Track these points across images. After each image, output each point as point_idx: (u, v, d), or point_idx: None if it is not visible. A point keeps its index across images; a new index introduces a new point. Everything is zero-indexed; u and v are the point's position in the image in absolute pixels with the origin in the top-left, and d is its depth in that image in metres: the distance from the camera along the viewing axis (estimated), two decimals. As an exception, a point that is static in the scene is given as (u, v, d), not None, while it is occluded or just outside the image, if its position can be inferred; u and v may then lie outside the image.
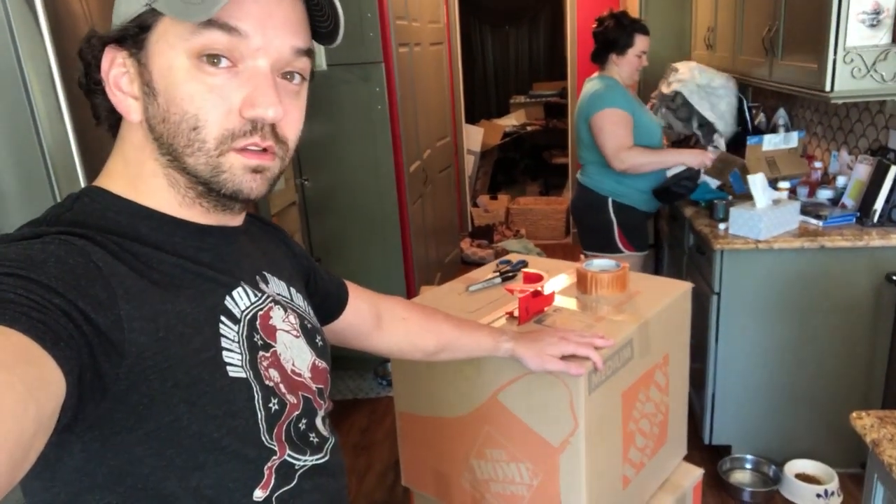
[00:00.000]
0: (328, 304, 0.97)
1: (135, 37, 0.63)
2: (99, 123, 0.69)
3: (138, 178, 0.66)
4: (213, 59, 0.61)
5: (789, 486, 2.17)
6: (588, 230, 2.79)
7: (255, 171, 0.65)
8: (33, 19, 1.25)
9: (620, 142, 2.53)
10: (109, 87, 0.65)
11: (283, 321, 0.74)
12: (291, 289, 0.82)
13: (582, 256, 2.75)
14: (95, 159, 1.36)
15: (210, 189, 0.65)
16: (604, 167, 2.62)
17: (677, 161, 2.57)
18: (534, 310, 1.30)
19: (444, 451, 1.39)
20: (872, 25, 1.89)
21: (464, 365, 1.26)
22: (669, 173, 2.59)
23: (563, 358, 1.09)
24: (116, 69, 0.64)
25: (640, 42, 2.61)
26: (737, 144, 2.89)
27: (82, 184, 1.33)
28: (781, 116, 3.06)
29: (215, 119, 0.62)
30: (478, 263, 4.48)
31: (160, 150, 0.64)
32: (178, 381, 0.60)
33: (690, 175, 2.54)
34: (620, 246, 2.68)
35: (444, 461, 1.39)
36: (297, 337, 0.76)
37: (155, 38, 0.62)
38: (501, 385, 1.22)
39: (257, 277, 0.75)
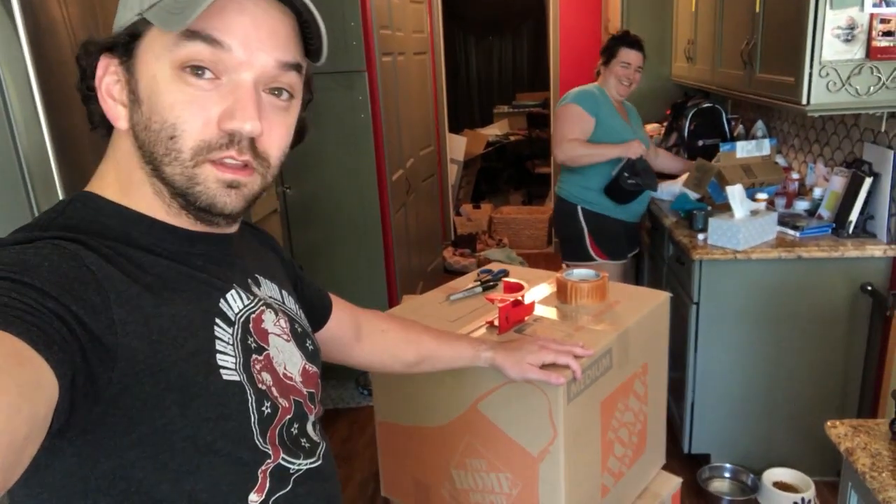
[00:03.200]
0: (312, 315, 0.97)
1: (125, 45, 0.63)
2: (94, 129, 0.69)
3: (129, 185, 0.67)
4: (196, 70, 0.61)
5: (767, 494, 2.18)
6: (564, 239, 2.87)
7: (231, 185, 0.64)
8: (10, 24, 1.24)
9: (564, 134, 2.63)
10: (102, 94, 0.65)
11: (275, 325, 0.74)
12: (283, 292, 0.82)
13: (564, 266, 2.77)
14: (73, 166, 1.34)
15: (187, 202, 0.65)
16: (570, 174, 2.72)
17: (609, 153, 2.61)
18: (514, 319, 1.30)
19: (424, 460, 1.38)
20: (847, 40, 1.92)
21: (444, 374, 1.26)
22: (614, 172, 2.64)
23: (543, 367, 1.09)
24: (109, 77, 0.65)
25: (624, 54, 2.68)
26: (709, 156, 2.93)
27: (59, 190, 1.31)
28: (760, 128, 3.10)
29: (192, 129, 0.61)
30: (460, 272, 4.48)
31: (144, 159, 0.64)
32: (171, 383, 0.60)
33: (629, 167, 2.58)
34: (592, 253, 2.73)
35: (424, 471, 1.39)
36: (287, 341, 0.76)
37: (143, 48, 0.63)
38: (481, 395, 1.23)
39: (249, 280, 0.75)
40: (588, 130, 2.64)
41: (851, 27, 1.91)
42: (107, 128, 0.69)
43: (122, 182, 0.67)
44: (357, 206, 3.04)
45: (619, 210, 2.70)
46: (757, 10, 2.33)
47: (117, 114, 0.65)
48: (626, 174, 2.58)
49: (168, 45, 0.61)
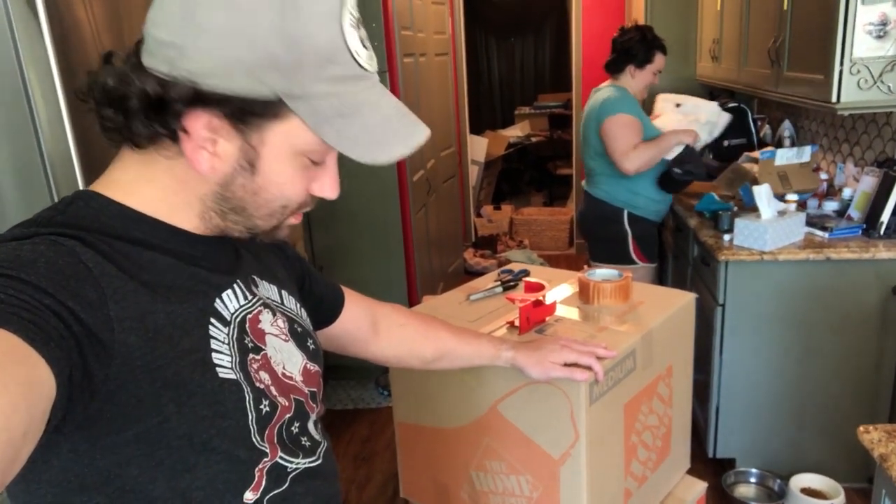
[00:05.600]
0: (322, 309, 0.96)
1: (247, 116, 0.61)
2: (137, 144, 0.64)
3: (161, 200, 0.66)
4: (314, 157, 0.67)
5: (795, 501, 2.13)
6: (601, 242, 2.79)
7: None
8: (36, 25, 1.25)
9: (628, 143, 2.56)
10: (194, 143, 0.62)
11: (272, 325, 0.74)
12: (283, 292, 0.81)
13: (585, 266, 2.74)
14: (95, 166, 1.35)
15: (254, 236, 0.71)
16: (617, 178, 2.63)
17: (672, 142, 2.59)
18: (535, 319, 1.29)
19: (443, 462, 1.37)
20: (879, 36, 1.88)
21: (464, 375, 1.25)
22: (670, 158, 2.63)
23: (566, 365, 1.07)
24: (209, 133, 0.61)
25: (659, 60, 2.65)
26: (735, 156, 2.89)
27: (82, 190, 1.32)
28: (787, 128, 3.05)
29: (296, 199, 0.69)
30: (481, 274, 4.45)
31: (223, 203, 0.66)
32: (167, 381, 0.60)
33: (689, 157, 2.55)
34: (635, 257, 2.69)
35: (443, 473, 1.38)
36: (286, 341, 0.76)
37: (276, 131, 0.63)
38: (501, 396, 1.21)
39: (248, 281, 0.75)
40: (641, 136, 2.60)
41: (884, 23, 1.86)
42: (142, 145, 0.64)
43: (149, 193, 0.65)
44: (378, 207, 3.04)
45: (654, 213, 2.70)
46: (785, 7, 2.29)
47: (211, 166, 0.63)
48: (675, 167, 2.57)
49: (309, 144, 0.64)
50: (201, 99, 0.60)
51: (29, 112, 1.27)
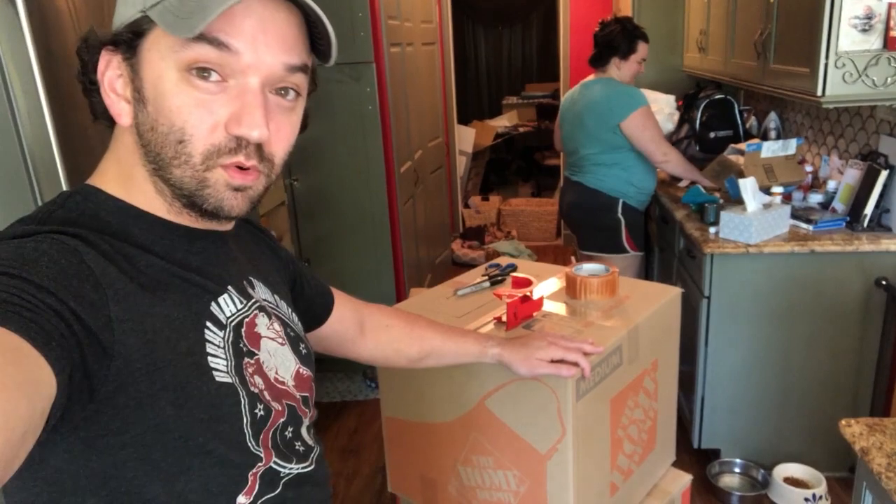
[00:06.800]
0: (313, 311, 0.96)
1: (128, 42, 0.62)
2: (97, 120, 0.69)
3: (130, 181, 0.66)
4: (202, 72, 0.60)
5: (778, 490, 2.16)
6: (594, 231, 2.81)
7: (238, 189, 0.64)
8: (14, 14, 1.23)
9: (661, 134, 2.64)
10: (104, 89, 0.65)
11: (268, 329, 0.74)
12: (276, 295, 0.81)
13: (573, 259, 2.75)
14: (77, 160, 1.33)
15: (193, 203, 0.65)
16: (616, 168, 2.66)
17: (698, 179, 2.76)
18: (522, 315, 1.29)
19: (430, 457, 1.37)
20: (864, 30, 1.88)
21: (451, 370, 1.25)
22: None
23: (552, 362, 1.08)
24: (111, 72, 0.64)
25: (643, 49, 2.67)
26: (722, 148, 2.90)
27: (64, 185, 1.30)
28: (773, 120, 3.06)
29: (201, 133, 0.61)
30: (469, 265, 4.46)
31: (147, 158, 0.64)
32: (166, 383, 0.59)
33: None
34: (627, 246, 2.73)
35: (430, 467, 1.38)
36: (281, 345, 0.75)
37: (147, 46, 0.62)
38: (489, 391, 1.21)
39: (244, 283, 0.74)
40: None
41: (869, 17, 1.87)
42: (109, 120, 0.68)
43: (122, 178, 0.67)
44: (365, 198, 3.02)
45: (641, 203, 2.76)
46: (771, 0, 2.29)
47: (120, 110, 0.65)
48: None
49: (173, 47, 0.60)
50: (100, 43, 0.64)
51: (8, 105, 1.25)
